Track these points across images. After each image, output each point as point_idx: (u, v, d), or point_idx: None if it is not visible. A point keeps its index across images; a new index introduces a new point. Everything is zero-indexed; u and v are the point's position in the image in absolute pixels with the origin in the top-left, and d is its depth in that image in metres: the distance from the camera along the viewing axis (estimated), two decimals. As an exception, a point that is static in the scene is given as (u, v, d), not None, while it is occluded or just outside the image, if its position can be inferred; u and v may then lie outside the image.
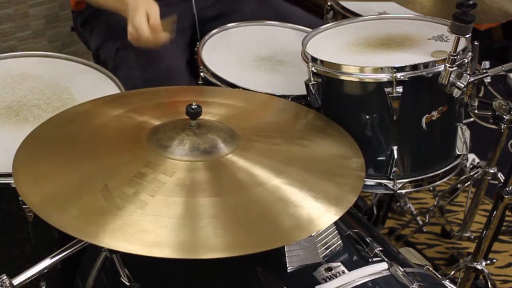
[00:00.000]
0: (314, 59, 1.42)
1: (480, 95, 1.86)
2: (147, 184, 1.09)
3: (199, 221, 1.04)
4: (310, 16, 2.05)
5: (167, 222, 1.03)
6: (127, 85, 1.61)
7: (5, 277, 1.08)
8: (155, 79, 1.76)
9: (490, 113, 1.57)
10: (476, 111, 1.55)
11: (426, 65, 1.35)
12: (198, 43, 1.80)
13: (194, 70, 1.78)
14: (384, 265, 1.19)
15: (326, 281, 1.18)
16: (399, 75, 1.34)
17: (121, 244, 1.00)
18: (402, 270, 1.18)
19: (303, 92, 1.47)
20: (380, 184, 1.46)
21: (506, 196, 1.58)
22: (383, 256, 1.22)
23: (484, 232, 1.65)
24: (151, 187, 1.09)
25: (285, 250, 1.20)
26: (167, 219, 1.03)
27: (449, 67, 1.33)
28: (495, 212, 1.61)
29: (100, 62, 1.92)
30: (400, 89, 1.35)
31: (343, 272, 1.19)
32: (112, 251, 1.26)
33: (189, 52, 1.90)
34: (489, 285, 1.73)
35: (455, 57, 1.33)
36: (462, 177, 1.94)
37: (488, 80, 1.47)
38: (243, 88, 1.57)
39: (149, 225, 1.02)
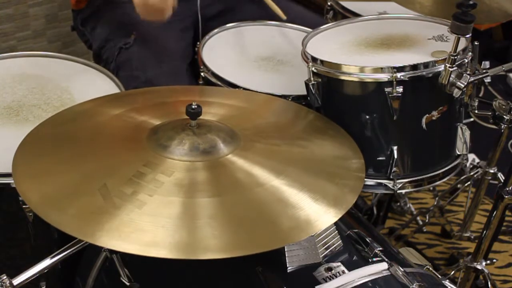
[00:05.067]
0: (314, 59, 1.42)
1: (480, 95, 1.85)
2: (146, 184, 1.09)
3: (197, 221, 1.04)
4: (310, 14, 2.04)
5: (165, 222, 1.02)
6: (128, 85, 1.60)
7: (5, 277, 1.08)
8: (156, 80, 1.76)
9: (490, 113, 1.56)
10: (476, 111, 1.55)
11: (426, 65, 1.35)
12: (198, 43, 1.80)
13: (196, 71, 1.78)
14: (384, 265, 1.19)
15: (326, 281, 1.18)
16: (399, 75, 1.34)
17: (118, 243, 0.99)
18: (402, 270, 1.18)
19: (303, 92, 1.47)
20: (380, 184, 1.46)
21: (506, 196, 1.58)
22: (383, 256, 1.22)
23: (484, 232, 1.65)
24: (149, 187, 1.09)
25: (285, 250, 1.20)
26: (165, 219, 1.03)
27: (449, 67, 1.33)
28: (495, 212, 1.61)
29: (101, 61, 1.91)
30: (400, 89, 1.35)
31: (343, 272, 1.19)
32: (112, 251, 1.26)
33: (192, 52, 1.90)
34: (489, 285, 1.73)
35: (455, 57, 1.33)
36: (462, 177, 1.94)
37: (488, 80, 1.47)
38: (244, 88, 1.57)
39: (146, 225, 1.02)
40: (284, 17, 1.86)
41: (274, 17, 1.92)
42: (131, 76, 1.78)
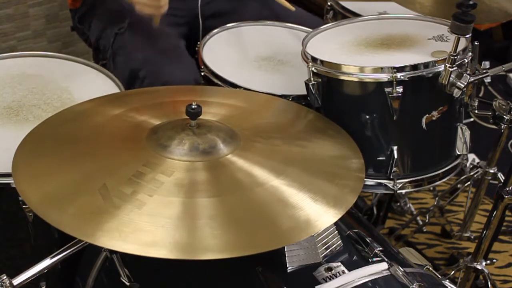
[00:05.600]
0: (314, 59, 1.42)
1: (480, 95, 1.86)
2: (146, 184, 1.09)
3: (197, 221, 1.04)
4: (310, 15, 2.04)
5: (164, 222, 1.02)
6: (127, 68, 1.60)
7: (5, 277, 1.08)
8: (155, 58, 1.75)
9: (490, 113, 1.57)
10: (476, 111, 1.55)
11: (426, 65, 1.35)
12: (198, 42, 1.80)
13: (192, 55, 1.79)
14: (384, 265, 1.19)
15: (326, 281, 1.18)
16: (399, 75, 1.34)
17: (118, 243, 0.99)
18: (402, 270, 1.18)
19: (303, 92, 1.47)
20: (380, 184, 1.46)
21: (506, 196, 1.58)
22: (383, 256, 1.22)
23: (484, 232, 1.65)
24: (149, 187, 1.09)
25: (285, 250, 1.20)
26: (164, 219, 1.03)
27: (449, 67, 1.33)
28: (495, 212, 1.61)
29: (99, 53, 1.92)
30: (400, 89, 1.35)
31: (343, 272, 1.19)
32: (112, 251, 1.26)
33: (186, 42, 1.90)
34: (489, 285, 1.73)
35: (455, 57, 1.33)
36: (462, 177, 1.94)
37: (488, 80, 1.47)
38: (244, 88, 1.57)
39: (146, 225, 1.02)
40: (292, 8, 1.86)
41: (278, 15, 1.92)
42: (129, 58, 1.78)
